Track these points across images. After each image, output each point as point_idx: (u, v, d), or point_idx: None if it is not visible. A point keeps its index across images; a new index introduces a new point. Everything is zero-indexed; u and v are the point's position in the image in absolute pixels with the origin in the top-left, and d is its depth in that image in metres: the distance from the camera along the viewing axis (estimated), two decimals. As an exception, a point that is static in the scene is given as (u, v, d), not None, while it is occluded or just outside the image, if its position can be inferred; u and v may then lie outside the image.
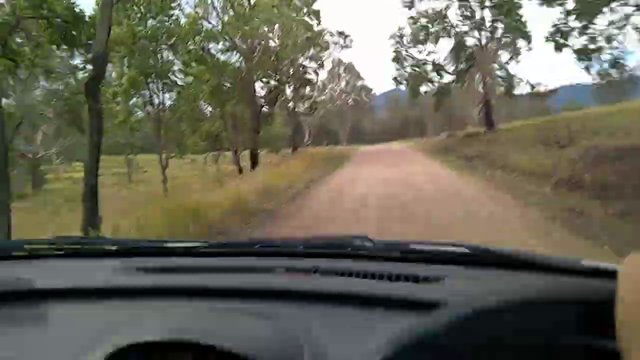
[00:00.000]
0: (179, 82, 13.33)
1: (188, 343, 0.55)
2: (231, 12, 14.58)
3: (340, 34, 23.91)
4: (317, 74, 22.97)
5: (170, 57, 13.09)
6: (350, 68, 55.86)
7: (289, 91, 20.94)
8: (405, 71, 21.22)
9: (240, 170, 14.73)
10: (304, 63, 22.02)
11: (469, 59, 19.22)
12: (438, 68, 20.07)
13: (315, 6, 18.60)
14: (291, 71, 18.94)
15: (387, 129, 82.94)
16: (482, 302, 0.45)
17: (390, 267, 0.81)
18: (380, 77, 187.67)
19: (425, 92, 22.47)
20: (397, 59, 20.88)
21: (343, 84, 56.26)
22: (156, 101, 12.81)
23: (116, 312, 0.75)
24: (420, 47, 20.08)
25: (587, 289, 0.47)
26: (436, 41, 19.41)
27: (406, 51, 20.52)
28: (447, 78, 20.73)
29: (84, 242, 1.18)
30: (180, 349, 0.56)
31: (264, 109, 17.07)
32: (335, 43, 23.07)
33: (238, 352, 0.52)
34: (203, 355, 0.54)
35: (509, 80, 18.68)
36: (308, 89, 23.28)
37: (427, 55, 20.22)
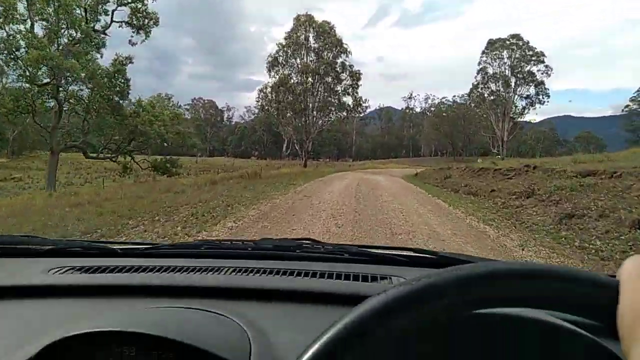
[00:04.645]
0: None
1: (132, 335, 0.53)
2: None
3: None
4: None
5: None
6: (324, 32, 32.23)
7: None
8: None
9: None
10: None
11: None
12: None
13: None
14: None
15: (377, 147, 73.44)
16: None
17: (336, 267, 0.86)
18: (370, 91, 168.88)
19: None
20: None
21: (310, 57, 32.79)
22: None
23: (51, 309, 0.74)
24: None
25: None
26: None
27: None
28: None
29: (17, 242, 1.10)
30: (124, 342, 0.53)
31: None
32: None
33: (184, 342, 0.50)
34: (149, 348, 0.52)
35: None
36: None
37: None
